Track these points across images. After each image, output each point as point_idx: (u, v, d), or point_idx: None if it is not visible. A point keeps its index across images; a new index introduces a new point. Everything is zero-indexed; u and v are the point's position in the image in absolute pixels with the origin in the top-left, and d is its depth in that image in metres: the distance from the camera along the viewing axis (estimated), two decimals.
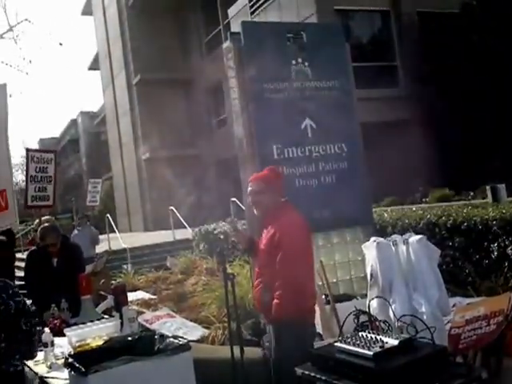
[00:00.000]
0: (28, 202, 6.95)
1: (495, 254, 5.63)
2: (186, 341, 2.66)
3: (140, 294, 7.74)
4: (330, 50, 4.86)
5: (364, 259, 3.77)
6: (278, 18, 14.57)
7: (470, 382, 2.36)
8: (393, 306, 3.20)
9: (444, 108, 13.68)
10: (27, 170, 7.04)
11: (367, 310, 2.96)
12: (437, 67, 14.02)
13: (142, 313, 5.69)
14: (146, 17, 22.20)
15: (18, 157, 35.78)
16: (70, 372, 2.55)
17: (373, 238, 3.60)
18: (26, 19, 18.79)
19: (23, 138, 64.23)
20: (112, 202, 26.93)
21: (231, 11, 17.41)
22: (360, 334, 2.54)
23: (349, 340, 2.48)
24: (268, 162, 4.32)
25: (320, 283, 4.27)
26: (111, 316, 3.97)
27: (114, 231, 16.41)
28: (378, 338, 2.43)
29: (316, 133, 4.73)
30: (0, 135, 5.23)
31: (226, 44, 4.82)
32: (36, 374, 3.23)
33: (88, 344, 3.12)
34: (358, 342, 2.43)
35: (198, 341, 5.00)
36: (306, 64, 4.77)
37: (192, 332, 5.08)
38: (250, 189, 3.47)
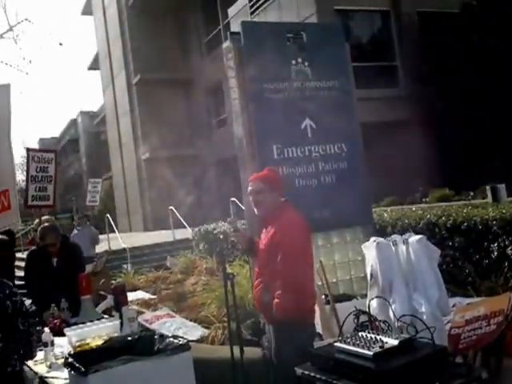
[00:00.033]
0: (28, 201, 6.96)
1: (495, 253, 5.62)
2: (185, 341, 2.66)
3: (140, 294, 7.74)
4: (330, 50, 4.86)
5: (364, 259, 3.76)
6: (278, 18, 14.58)
7: (470, 382, 2.35)
8: (393, 306, 3.19)
9: (444, 108, 13.68)
10: (28, 170, 7.04)
11: (367, 310, 2.96)
12: (437, 67, 14.03)
13: (142, 313, 5.70)
14: (145, 17, 22.20)
15: (17, 157, 35.75)
16: (69, 372, 2.55)
17: (373, 238, 3.60)
18: (26, 19, 18.82)
19: (23, 138, 64.25)
20: (112, 201, 26.94)
21: (231, 11, 17.42)
22: (360, 334, 2.54)
23: (349, 340, 2.48)
24: (268, 161, 4.33)
25: (320, 283, 4.26)
26: (111, 316, 3.97)
27: (114, 231, 16.41)
28: (378, 338, 2.43)
29: (316, 133, 4.72)
30: (3, 135, 5.23)
31: (226, 44, 4.81)
32: (36, 373, 3.23)
33: (88, 344, 3.12)
34: (358, 342, 2.42)
35: (197, 341, 5.00)
36: (306, 64, 4.76)
37: (192, 332, 5.08)
38: (250, 188, 3.48)
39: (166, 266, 10.50)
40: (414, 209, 7.69)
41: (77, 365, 2.42)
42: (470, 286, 5.33)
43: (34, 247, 5.45)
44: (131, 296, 6.77)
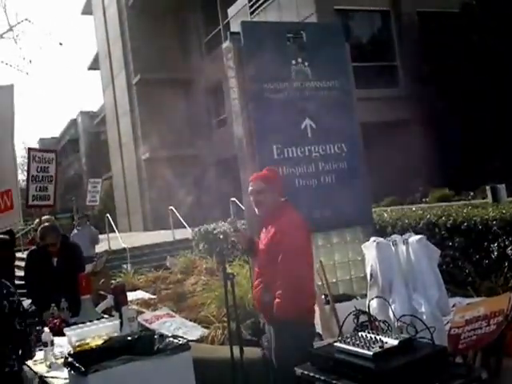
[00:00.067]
0: (29, 201, 6.95)
1: (495, 254, 5.62)
2: (185, 340, 2.66)
3: (140, 294, 7.75)
4: (330, 50, 4.86)
5: (364, 259, 3.76)
6: (278, 18, 14.58)
7: (469, 382, 2.35)
8: (392, 306, 3.19)
9: (444, 108, 13.69)
10: (28, 170, 7.04)
11: (367, 310, 2.96)
12: (437, 67, 14.03)
13: (142, 312, 5.70)
14: (145, 17, 22.20)
15: (18, 157, 35.55)
16: (69, 371, 2.55)
17: (373, 238, 3.60)
18: (26, 19, 18.83)
19: (23, 138, 64.26)
20: (112, 201, 26.94)
21: (231, 11, 17.42)
22: (360, 334, 2.54)
23: (348, 340, 2.48)
24: (268, 161, 4.32)
25: (320, 283, 4.26)
26: (111, 316, 3.97)
27: (114, 231, 16.41)
28: (378, 338, 2.43)
29: (316, 133, 4.72)
30: (6, 136, 5.21)
31: (226, 44, 4.81)
32: (36, 373, 3.24)
33: (88, 343, 3.12)
34: (358, 342, 2.42)
35: (197, 340, 5.00)
36: (306, 64, 4.76)
37: (191, 332, 5.08)
38: (251, 188, 3.48)
39: (165, 265, 10.50)
40: (413, 209, 7.69)
41: (77, 364, 2.42)
42: (470, 286, 5.33)
43: (34, 247, 5.45)
44: (131, 296, 6.77)
